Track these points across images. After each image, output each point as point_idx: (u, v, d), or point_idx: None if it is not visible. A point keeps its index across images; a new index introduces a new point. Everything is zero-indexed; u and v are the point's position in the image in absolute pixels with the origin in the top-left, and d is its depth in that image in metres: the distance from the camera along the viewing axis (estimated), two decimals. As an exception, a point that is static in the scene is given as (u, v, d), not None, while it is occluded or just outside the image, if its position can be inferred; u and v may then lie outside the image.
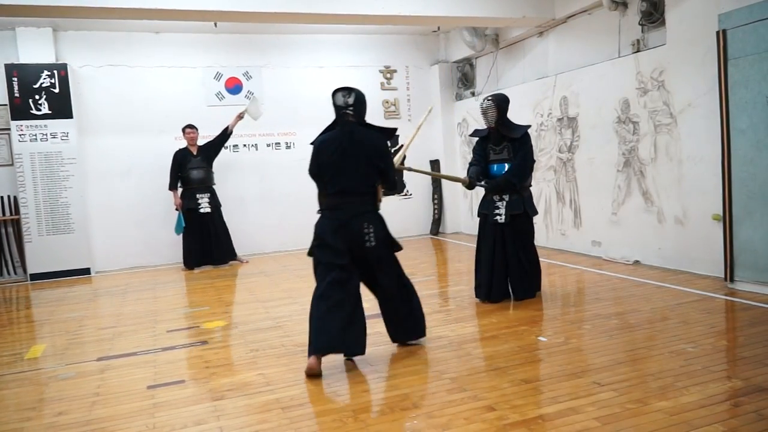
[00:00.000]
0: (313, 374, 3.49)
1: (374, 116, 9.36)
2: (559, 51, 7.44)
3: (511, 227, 4.95)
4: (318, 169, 3.78)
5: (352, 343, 3.61)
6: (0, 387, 3.73)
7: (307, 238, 9.42)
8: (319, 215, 3.86)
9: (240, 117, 8.01)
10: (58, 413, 3.25)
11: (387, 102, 9.46)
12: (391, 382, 3.39)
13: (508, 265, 4.99)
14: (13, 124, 7.49)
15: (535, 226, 5.21)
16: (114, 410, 3.23)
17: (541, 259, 5.27)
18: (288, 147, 8.96)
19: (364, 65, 9.31)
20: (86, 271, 7.82)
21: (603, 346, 3.79)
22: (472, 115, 9.18)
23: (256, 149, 8.81)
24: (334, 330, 3.55)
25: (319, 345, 3.56)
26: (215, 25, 7.39)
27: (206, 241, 7.77)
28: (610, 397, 2.99)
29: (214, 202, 7.86)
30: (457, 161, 9.71)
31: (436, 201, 9.70)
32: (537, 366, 3.52)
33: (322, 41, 9.02)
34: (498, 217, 4.96)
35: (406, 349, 3.96)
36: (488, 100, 4.95)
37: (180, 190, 7.80)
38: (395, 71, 9.54)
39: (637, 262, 6.22)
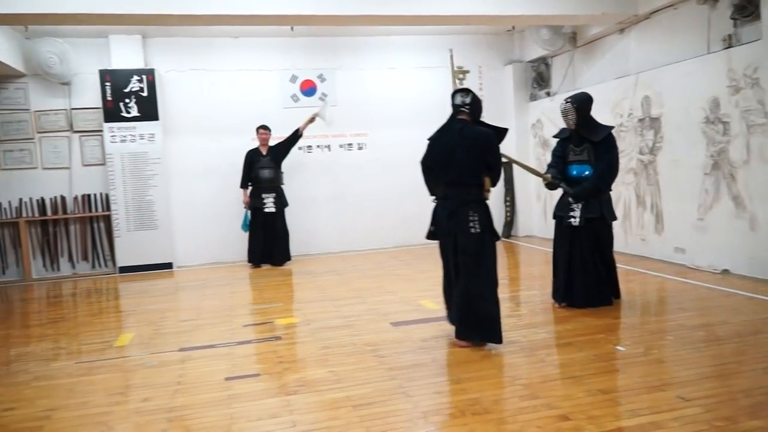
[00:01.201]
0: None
1: (446, 117, 9.30)
2: (641, 48, 7.13)
3: (585, 231, 4.77)
4: (432, 161, 4.24)
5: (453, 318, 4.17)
6: (91, 372, 3.97)
7: (377, 239, 9.54)
8: (434, 203, 4.35)
9: (311, 120, 8.17)
10: (143, 399, 3.42)
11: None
12: (462, 386, 3.35)
13: (585, 269, 4.82)
14: (106, 126, 7.96)
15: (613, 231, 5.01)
16: (194, 399, 3.37)
17: (619, 265, 5.07)
18: (360, 148, 9.06)
19: (437, 66, 9.25)
20: (169, 266, 8.21)
21: (688, 358, 3.60)
22: (547, 115, 8.96)
23: (329, 150, 8.96)
24: (451, 307, 4.21)
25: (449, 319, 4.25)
26: (292, 29, 7.58)
27: (268, 241, 7.96)
28: (696, 413, 2.83)
29: (280, 203, 8.03)
30: (531, 163, 9.48)
31: (508, 203, 9.53)
32: (615, 376, 3.39)
33: (394, 43, 9.06)
34: (572, 220, 4.80)
35: (477, 353, 3.91)
36: (566, 102, 4.80)
37: (249, 188, 8.04)
38: (468, 72, 9.40)
39: (726, 271, 5.87)
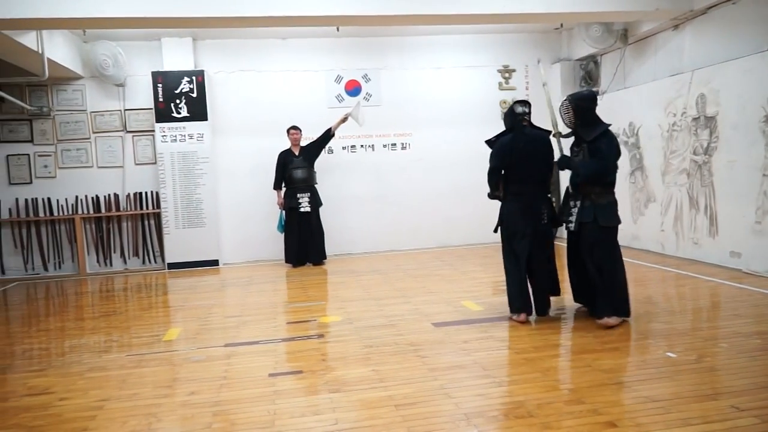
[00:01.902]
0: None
1: (491, 116, 9.23)
2: (696, 45, 6.89)
3: (581, 236, 4.51)
4: (502, 163, 4.68)
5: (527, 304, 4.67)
6: (141, 365, 4.09)
7: (420, 239, 9.48)
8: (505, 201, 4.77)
9: (344, 120, 8.20)
10: (190, 393, 3.51)
11: (505, 102, 9.25)
12: (506, 389, 3.31)
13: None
14: (157, 126, 8.21)
15: (616, 238, 4.49)
16: (239, 394, 3.44)
17: (669, 269, 4.93)
18: (404, 148, 9.05)
19: (482, 65, 9.18)
20: (215, 263, 8.40)
21: (743, 367, 3.45)
22: (596, 115, 8.76)
23: (373, 150, 8.98)
24: (515, 293, 4.70)
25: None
26: (337, 29, 7.63)
27: (304, 240, 8.02)
28: (751, 423, 2.71)
29: (314, 202, 8.08)
30: (578, 163, 9.29)
31: (554, 204, 9.35)
32: (664, 383, 3.28)
33: (439, 42, 9.02)
34: (570, 225, 4.59)
35: (521, 356, 3.86)
36: (565, 100, 4.56)
37: (284, 189, 8.13)
38: (514, 71, 9.32)
39: (784, 277, 5.61)
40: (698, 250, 6.76)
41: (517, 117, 4.71)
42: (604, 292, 4.42)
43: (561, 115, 4.62)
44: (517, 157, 4.62)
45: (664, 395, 3.11)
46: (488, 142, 4.91)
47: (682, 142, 6.94)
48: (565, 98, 4.62)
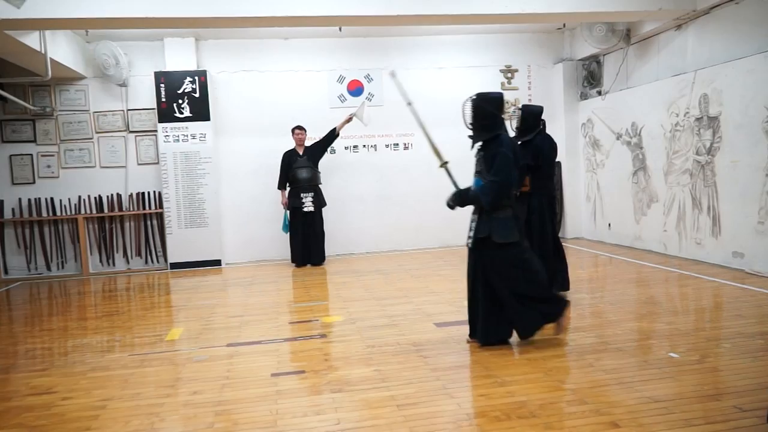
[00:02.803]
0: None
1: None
2: (699, 45, 6.88)
3: (477, 253, 4.12)
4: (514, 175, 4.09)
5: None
6: (144, 365, 4.10)
7: (423, 239, 9.49)
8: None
9: (348, 120, 8.20)
10: (192, 392, 3.51)
11: (507, 103, 9.25)
12: (507, 389, 3.31)
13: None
14: (160, 126, 8.22)
15: (520, 254, 4.04)
16: (241, 394, 3.44)
17: (672, 269, 4.92)
18: (406, 148, 9.06)
19: (484, 65, 9.18)
20: (217, 263, 8.41)
21: (746, 367, 3.44)
22: (598, 115, 8.76)
23: (375, 150, 8.99)
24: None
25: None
26: (340, 29, 7.64)
27: (307, 240, 8.03)
28: (753, 424, 2.71)
29: (318, 202, 8.08)
30: (581, 164, 9.30)
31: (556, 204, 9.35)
32: (667, 384, 3.27)
33: (441, 42, 9.02)
34: (468, 241, 4.19)
35: (524, 356, 3.85)
36: (469, 98, 4.31)
37: (288, 189, 8.13)
38: (516, 71, 9.32)
39: (787, 277, 5.60)
40: (701, 250, 6.75)
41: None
42: (486, 315, 4.04)
43: (462, 113, 4.31)
44: (518, 167, 4.27)
45: (666, 396, 3.10)
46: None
47: (685, 142, 6.93)
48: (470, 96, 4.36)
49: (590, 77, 9.06)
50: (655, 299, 5.32)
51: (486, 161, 4.10)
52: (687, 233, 6.98)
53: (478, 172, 4.20)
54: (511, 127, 5.32)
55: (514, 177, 4.02)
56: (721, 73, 6.34)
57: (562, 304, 4.08)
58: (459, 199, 4.17)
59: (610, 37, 8.00)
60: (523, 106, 5.52)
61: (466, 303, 5.33)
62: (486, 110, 4.17)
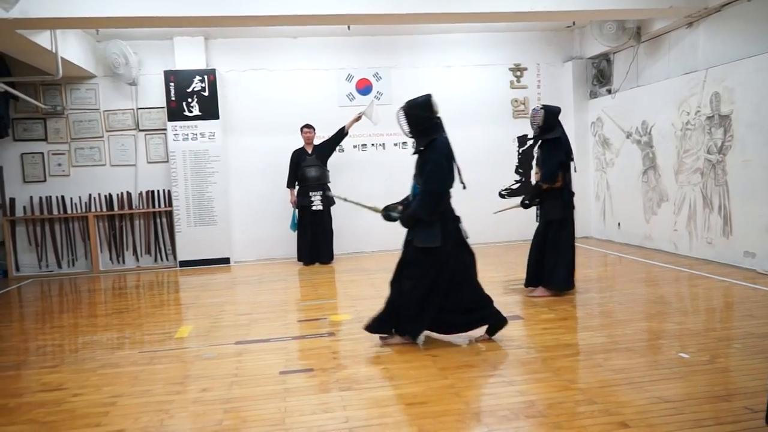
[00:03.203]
0: None
1: (502, 116, 9.21)
2: (711, 43, 6.82)
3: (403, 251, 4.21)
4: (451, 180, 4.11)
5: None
6: (153, 362, 4.12)
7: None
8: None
9: (357, 118, 8.20)
10: (201, 390, 3.53)
11: (516, 101, 9.23)
12: (516, 388, 3.30)
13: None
14: (169, 125, 8.25)
15: (433, 262, 4.05)
16: (250, 391, 3.45)
17: (682, 269, 4.90)
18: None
19: (493, 64, 9.15)
20: (226, 261, 8.44)
21: (757, 368, 3.41)
22: (607, 113, 8.71)
23: (384, 148, 8.98)
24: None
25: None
26: (348, 28, 7.64)
27: (316, 239, 8.04)
28: (764, 425, 2.68)
29: (327, 201, 8.10)
30: (590, 163, 9.25)
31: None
32: (677, 384, 3.25)
33: (450, 41, 9.00)
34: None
35: (532, 356, 3.84)
36: (400, 108, 4.28)
37: (296, 188, 8.14)
38: (525, 69, 9.28)
39: (799, 278, 5.55)
40: (712, 250, 6.70)
41: (439, 121, 4.19)
42: (386, 310, 4.11)
43: (398, 125, 4.26)
44: (454, 169, 4.14)
45: (676, 396, 3.08)
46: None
47: (696, 141, 6.88)
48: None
49: (600, 76, 9.01)
50: (665, 299, 5.29)
51: (420, 167, 4.11)
52: (698, 233, 6.93)
53: (414, 176, 4.24)
54: (531, 127, 5.58)
55: (447, 183, 4.05)
56: (733, 72, 6.28)
57: (416, 331, 4.10)
58: (405, 222, 4.20)
59: (621, 35, 7.95)
60: (543, 106, 5.50)
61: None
62: (418, 115, 4.12)
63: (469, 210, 9.22)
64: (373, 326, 4.17)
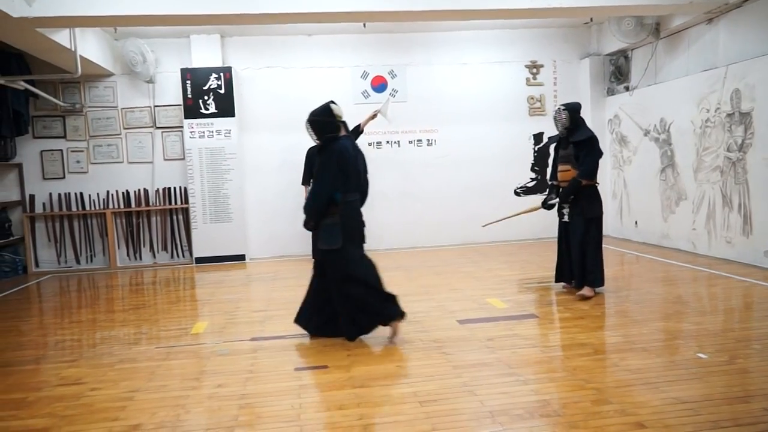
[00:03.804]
0: None
1: (518, 113, 9.16)
2: (731, 39, 6.72)
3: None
4: (348, 178, 4.24)
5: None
6: (169, 357, 4.16)
7: (445, 236, 9.45)
8: None
9: (373, 116, 8.17)
10: (216, 385, 3.55)
11: (532, 98, 9.16)
12: (531, 387, 3.28)
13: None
14: (186, 122, 8.31)
15: (349, 260, 4.27)
16: (265, 387, 3.47)
17: (701, 268, 4.83)
18: (429, 144, 9.03)
19: (509, 61, 9.10)
20: (242, 258, 8.49)
21: (776, 369, 3.37)
22: (625, 110, 8.62)
23: (399, 146, 8.97)
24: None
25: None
26: (364, 25, 7.64)
27: None
28: (785, 427, 2.65)
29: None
30: (607, 160, 9.15)
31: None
32: (694, 385, 3.22)
33: (465, 38, 8.96)
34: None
35: (547, 355, 3.82)
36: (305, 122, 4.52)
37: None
38: (542, 66, 9.21)
39: (821, 278, 5.45)
40: (731, 249, 6.61)
41: (342, 124, 4.40)
42: (318, 311, 4.40)
43: (310, 136, 4.49)
44: (363, 168, 4.40)
45: (693, 397, 3.05)
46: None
47: (716, 139, 6.79)
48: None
49: (617, 72, 8.92)
50: (682, 299, 5.23)
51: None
52: (717, 232, 6.83)
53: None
54: (557, 129, 5.45)
55: (332, 185, 4.18)
56: (754, 68, 6.19)
57: (379, 320, 4.26)
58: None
59: (639, 31, 7.85)
60: (565, 106, 5.38)
61: (489, 301, 5.34)
62: (321, 122, 4.30)
63: (484, 207, 9.20)
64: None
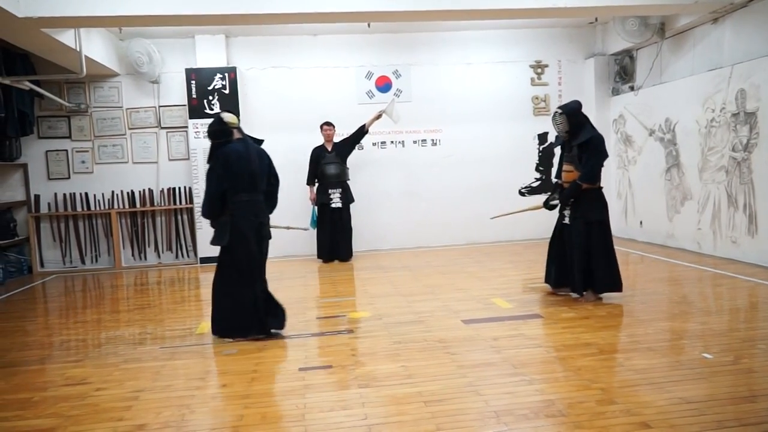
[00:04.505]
0: None
1: (523, 113, 9.15)
2: (737, 38, 6.69)
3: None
4: (235, 176, 4.45)
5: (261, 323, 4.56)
6: (174, 357, 4.17)
7: (449, 235, 9.43)
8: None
9: (378, 116, 8.19)
10: (221, 385, 3.56)
11: (537, 98, 9.15)
12: (536, 387, 3.28)
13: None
14: (190, 122, 8.33)
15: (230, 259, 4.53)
16: (269, 387, 3.48)
17: (706, 268, 4.82)
18: (434, 144, 9.02)
19: (514, 60, 9.09)
20: (246, 258, 8.48)
21: (783, 370, 3.35)
22: (630, 110, 8.60)
23: (403, 146, 8.97)
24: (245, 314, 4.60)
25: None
26: (368, 25, 7.64)
27: (335, 236, 8.05)
28: (792, 428, 2.63)
29: (346, 198, 8.08)
30: (612, 160, 9.12)
31: (586, 201, 9.22)
32: (700, 385, 3.20)
33: (470, 38, 8.95)
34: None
35: (552, 355, 3.81)
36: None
37: (316, 185, 8.16)
38: (546, 66, 9.19)
39: (827, 278, 5.43)
40: (736, 249, 6.59)
41: (230, 127, 4.68)
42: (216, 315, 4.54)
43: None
44: (254, 168, 4.57)
45: (699, 397, 3.04)
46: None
47: (721, 139, 6.76)
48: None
49: (623, 72, 8.90)
50: (687, 299, 5.21)
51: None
52: (722, 231, 6.81)
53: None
54: (558, 132, 5.28)
55: (217, 186, 4.42)
56: (759, 68, 6.16)
57: (248, 331, 4.43)
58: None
59: (644, 31, 7.83)
60: (562, 108, 5.18)
61: (494, 300, 5.33)
62: (214, 131, 4.63)
63: (489, 207, 9.17)
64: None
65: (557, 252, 5.36)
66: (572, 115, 5.12)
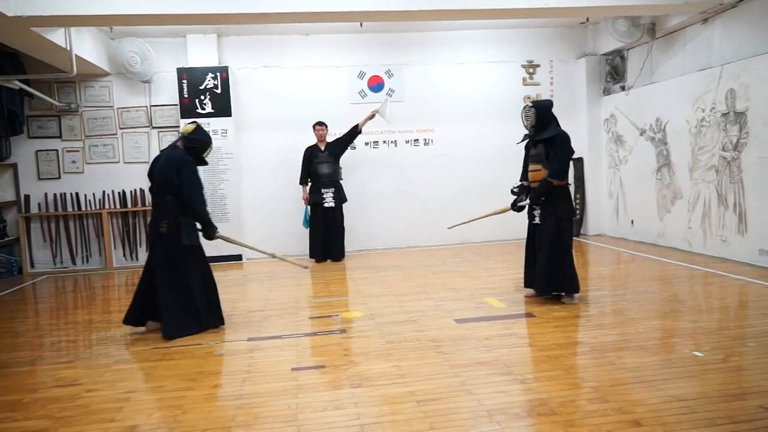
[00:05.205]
0: None
1: (514, 112, 9.14)
2: (726, 39, 6.74)
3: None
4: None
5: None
6: (166, 358, 4.15)
7: (441, 235, 9.45)
8: None
9: (371, 116, 8.19)
10: (213, 386, 3.55)
11: (529, 98, 9.16)
12: (528, 386, 3.29)
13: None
14: (182, 122, 8.28)
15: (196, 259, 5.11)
16: (262, 388, 3.47)
17: (696, 267, 4.86)
18: (426, 144, 9.03)
19: (505, 60, 9.11)
20: (238, 258, 8.47)
21: (772, 367, 3.38)
22: (621, 110, 8.64)
23: (395, 145, 8.98)
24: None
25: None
26: (361, 25, 7.63)
27: (328, 236, 8.05)
28: (781, 425, 2.66)
29: (339, 198, 8.09)
30: (603, 159, 9.19)
31: (578, 201, 9.26)
32: (691, 382, 3.23)
33: (462, 38, 8.97)
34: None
35: (544, 353, 3.83)
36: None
37: (309, 185, 8.15)
38: (538, 66, 9.23)
39: (815, 276, 5.48)
40: (726, 248, 6.64)
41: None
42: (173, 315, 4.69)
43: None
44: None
45: (690, 394, 3.06)
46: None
47: (711, 138, 6.81)
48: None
49: (614, 72, 8.94)
50: (678, 297, 5.25)
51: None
52: (712, 230, 6.86)
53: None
54: (524, 126, 5.38)
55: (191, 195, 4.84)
56: (749, 68, 6.21)
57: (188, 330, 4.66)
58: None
59: (635, 31, 7.87)
60: (533, 102, 5.36)
61: (486, 300, 5.35)
62: (193, 139, 5.01)
63: (481, 207, 9.18)
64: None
65: (534, 254, 5.33)
66: (542, 110, 5.20)
